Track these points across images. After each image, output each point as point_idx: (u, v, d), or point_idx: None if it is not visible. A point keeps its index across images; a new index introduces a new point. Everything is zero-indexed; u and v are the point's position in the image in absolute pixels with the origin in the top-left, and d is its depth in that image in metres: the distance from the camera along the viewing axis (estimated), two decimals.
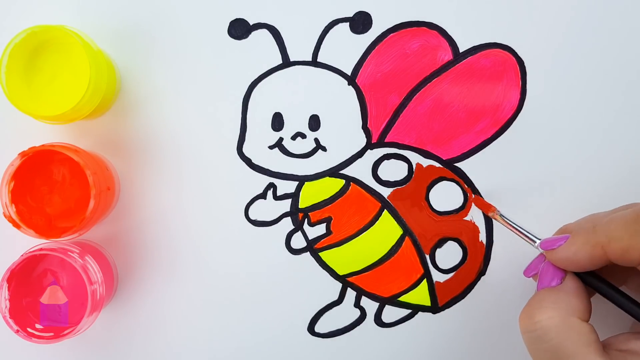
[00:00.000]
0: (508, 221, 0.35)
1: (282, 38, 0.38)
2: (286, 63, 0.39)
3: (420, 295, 0.39)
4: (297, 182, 0.39)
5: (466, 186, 0.39)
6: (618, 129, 0.38)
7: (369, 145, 0.39)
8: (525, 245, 0.35)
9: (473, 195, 0.38)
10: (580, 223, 0.32)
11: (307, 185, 0.39)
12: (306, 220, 0.39)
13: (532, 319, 0.29)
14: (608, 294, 0.31)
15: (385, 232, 0.39)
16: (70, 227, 0.35)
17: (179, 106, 0.39)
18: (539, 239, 0.33)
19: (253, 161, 0.39)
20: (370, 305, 0.39)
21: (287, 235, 0.39)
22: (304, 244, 0.39)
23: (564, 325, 0.28)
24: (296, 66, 0.39)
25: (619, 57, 0.38)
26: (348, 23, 0.38)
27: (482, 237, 0.39)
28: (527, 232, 0.34)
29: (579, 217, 0.33)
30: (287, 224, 0.39)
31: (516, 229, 0.35)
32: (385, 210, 0.39)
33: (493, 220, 0.38)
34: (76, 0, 0.38)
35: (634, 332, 0.31)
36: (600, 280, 0.31)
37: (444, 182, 0.39)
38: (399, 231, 0.39)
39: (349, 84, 0.39)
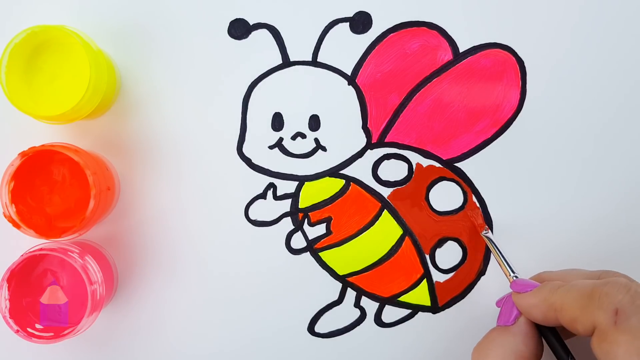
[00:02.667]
0: (493, 245, 0.36)
1: (282, 38, 0.38)
2: (286, 63, 0.39)
3: (420, 295, 0.39)
4: (297, 182, 0.39)
5: (466, 186, 0.39)
6: (618, 129, 0.38)
7: (369, 145, 0.39)
8: (526, 244, 0.35)
9: (474, 199, 0.38)
10: (553, 276, 0.34)
11: (307, 185, 0.39)
12: (306, 220, 0.39)
13: (481, 356, 0.32)
14: (552, 347, 0.32)
15: (385, 232, 0.39)
16: (70, 227, 0.35)
17: (178, 106, 0.39)
18: (516, 276, 0.34)
19: (253, 161, 0.39)
20: (370, 305, 0.39)
21: (287, 235, 0.39)
22: (304, 244, 0.39)
23: None
24: (296, 66, 0.39)
25: (619, 57, 0.38)
26: (348, 23, 0.38)
27: (482, 237, 0.39)
28: (508, 264, 0.35)
29: (579, 217, 0.33)
30: (287, 224, 0.39)
31: (499, 256, 0.36)
32: (385, 210, 0.39)
33: (493, 220, 0.38)
34: (76, 0, 0.38)
35: None
36: (550, 331, 0.32)
37: (444, 182, 0.39)
38: (399, 231, 0.39)
39: (349, 84, 0.39)
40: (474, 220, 0.38)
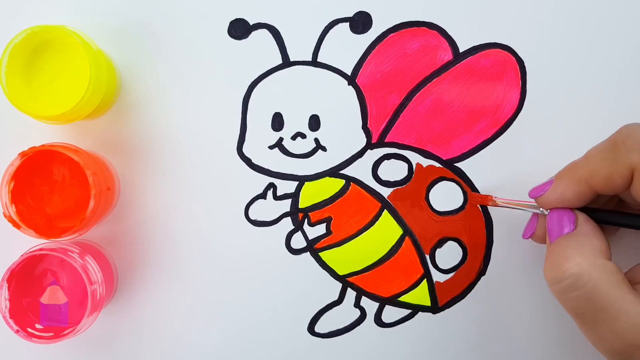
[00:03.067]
0: (507, 202, 0.36)
1: (282, 38, 0.38)
2: (286, 63, 0.39)
3: (420, 295, 0.39)
4: (297, 182, 0.39)
5: (466, 186, 0.39)
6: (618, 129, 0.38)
7: (369, 145, 0.39)
8: (526, 244, 0.35)
9: (469, 192, 0.38)
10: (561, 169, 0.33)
11: (307, 185, 0.39)
12: (306, 220, 0.39)
13: (561, 269, 0.28)
14: (620, 220, 0.31)
15: (385, 232, 0.39)
16: (70, 227, 0.35)
17: (179, 106, 0.39)
18: (532, 204, 0.34)
19: (253, 161, 0.39)
20: (370, 305, 0.39)
21: (287, 235, 0.39)
22: (304, 244, 0.39)
23: (594, 269, 0.28)
24: (296, 66, 0.39)
25: (619, 57, 0.38)
26: (348, 23, 0.38)
27: (482, 237, 0.39)
28: (525, 203, 0.35)
29: None
30: (287, 224, 0.39)
31: (516, 204, 0.35)
32: (385, 210, 0.39)
33: (493, 220, 0.39)
34: (76, 0, 0.38)
35: None
36: (605, 212, 0.31)
37: (444, 182, 0.39)
38: (399, 231, 0.39)
39: (349, 84, 0.39)
40: (482, 202, 0.38)
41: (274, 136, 0.39)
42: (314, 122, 0.39)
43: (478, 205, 0.39)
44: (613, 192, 0.29)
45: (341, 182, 0.39)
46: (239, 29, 0.38)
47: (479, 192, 0.39)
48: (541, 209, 0.33)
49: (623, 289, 0.27)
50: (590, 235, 0.30)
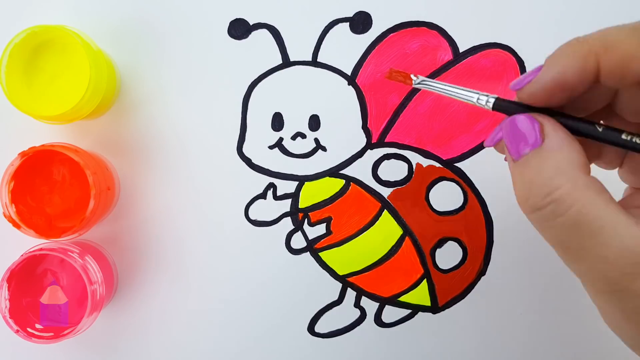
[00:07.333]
0: (438, 86, 0.28)
1: (282, 38, 0.38)
2: (286, 63, 0.39)
3: (420, 295, 0.39)
4: (297, 182, 0.39)
5: (466, 186, 0.39)
6: None
7: (369, 145, 0.39)
8: (526, 244, 0.35)
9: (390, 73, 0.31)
10: None
11: (307, 185, 0.39)
12: (306, 220, 0.39)
13: (539, 194, 0.23)
14: (594, 132, 0.24)
15: (385, 232, 0.39)
16: (70, 227, 0.35)
17: (179, 106, 0.39)
18: (484, 94, 0.27)
19: (253, 161, 0.39)
20: (370, 305, 0.39)
21: (287, 235, 0.39)
22: (304, 244, 0.39)
23: (576, 190, 0.23)
24: (296, 66, 0.39)
25: None
26: (348, 23, 0.38)
27: (482, 237, 0.39)
28: (466, 90, 0.27)
29: None
30: (287, 224, 0.39)
31: (450, 90, 0.27)
32: (385, 210, 0.39)
33: (493, 220, 0.38)
34: (76, 0, 0.38)
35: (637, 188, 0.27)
36: (581, 122, 0.24)
37: (444, 182, 0.39)
38: (399, 231, 0.39)
39: (349, 84, 0.39)
40: (400, 80, 0.30)
41: (274, 136, 0.39)
42: (314, 122, 0.39)
43: (478, 205, 0.39)
44: (622, 81, 0.23)
45: (341, 182, 0.39)
46: (239, 29, 0.38)
47: (479, 193, 0.38)
48: (484, 100, 0.26)
49: (612, 208, 0.22)
50: (565, 147, 0.23)
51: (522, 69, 0.38)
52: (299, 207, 0.39)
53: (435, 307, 0.39)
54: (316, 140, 0.39)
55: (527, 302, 0.39)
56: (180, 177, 0.39)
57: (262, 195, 0.39)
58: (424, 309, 0.39)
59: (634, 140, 0.23)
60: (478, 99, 0.27)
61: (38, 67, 0.36)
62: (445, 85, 0.28)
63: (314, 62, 0.38)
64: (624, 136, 0.24)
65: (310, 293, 0.39)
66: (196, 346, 0.39)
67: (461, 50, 0.38)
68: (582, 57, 0.23)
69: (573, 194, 0.23)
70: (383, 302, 0.39)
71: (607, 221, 0.22)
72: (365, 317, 0.39)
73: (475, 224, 0.39)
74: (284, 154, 0.39)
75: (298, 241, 0.39)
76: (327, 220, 0.39)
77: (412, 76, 0.29)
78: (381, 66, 0.38)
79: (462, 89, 0.27)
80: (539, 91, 0.24)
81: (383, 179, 0.39)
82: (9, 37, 0.34)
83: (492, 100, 0.26)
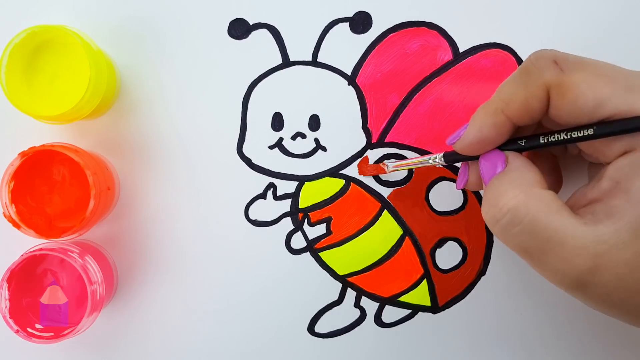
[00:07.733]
0: (402, 163, 0.36)
1: (282, 38, 0.38)
2: (286, 63, 0.39)
3: (420, 295, 0.39)
4: (297, 182, 0.39)
5: None
6: None
7: (369, 145, 0.39)
8: None
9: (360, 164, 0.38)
10: None
11: (307, 185, 0.39)
12: (306, 220, 0.39)
13: (497, 206, 0.27)
14: (546, 141, 0.29)
15: (385, 232, 0.39)
16: (70, 227, 0.35)
17: (179, 106, 0.39)
18: (434, 155, 0.33)
19: (253, 161, 0.39)
20: (370, 305, 0.39)
21: (287, 235, 0.39)
22: (304, 244, 0.39)
23: (530, 200, 0.26)
24: (296, 66, 0.39)
25: (619, 57, 0.38)
26: (348, 23, 0.38)
27: (482, 237, 0.39)
28: (422, 156, 0.35)
29: None
30: (287, 224, 0.39)
31: (412, 162, 0.35)
32: (385, 210, 0.39)
33: None
34: (76, 0, 0.38)
35: (584, 185, 0.29)
36: (530, 139, 0.29)
37: (444, 182, 0.39)
38: (399, 231, 0.39)
39: (349, 84, 0.39)
40: (375, 172, 0.38)
41: (274, 136, 0.39)
42: (314, 122, 0.39)
43: (478, 205, 0.39)
44: (531, 120, 0.28)
45: (341, 182, 0.39)
46: (239, 29, 0.38)
47: (479, 192, 0.38)
48: (437, 159, 0.33)
49: (563, 214, 0.26)
50: (521, 168, 0.28)
51: None
52: (299, 207, 0.39)
53: (435, 307, 0.39)
54: (316, 140, 0.39)
55: (527, 302, 0.39)
56: (180, 177, 0.39)
57: (262, 195, 0.39)
58: (424, 309, 0.39)
59: (550, 139, 0.28)
60: (431, 159, 0.34)
61: (38, 67, 0.36)
62: (407, 160, 0.36)
63: (314, 62, 0.38)
64: (541, 139, 0.29)
65: (310, 293, 0.39)
66: (196, 346, 0.39)
67: (461, 50, 0.38)
68: (491, 117, 0.28)
69: (526, 204, 0.26)
70: (383, 302, 0.39)
71: (560, 225, 0.25)
72: (365, 317, 0.39)
73: (475, 224, 0.39)
74: (284, 154, 0.39)
75: (298, 241, 0.39)
76: (327, 220, 0.39)
77: (382, 165, 0.37)
78: (381, 66, 0.38)
79: (420, 157, 0.35)
80: (466, 146, 0.30)
81: (383, 179, 0.39)
82: (9, 37, 0.34)
83: (440, 155, 0.33)
